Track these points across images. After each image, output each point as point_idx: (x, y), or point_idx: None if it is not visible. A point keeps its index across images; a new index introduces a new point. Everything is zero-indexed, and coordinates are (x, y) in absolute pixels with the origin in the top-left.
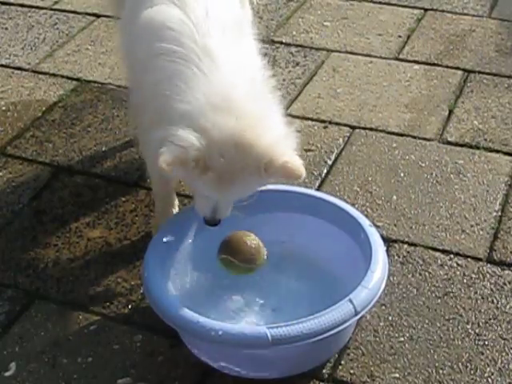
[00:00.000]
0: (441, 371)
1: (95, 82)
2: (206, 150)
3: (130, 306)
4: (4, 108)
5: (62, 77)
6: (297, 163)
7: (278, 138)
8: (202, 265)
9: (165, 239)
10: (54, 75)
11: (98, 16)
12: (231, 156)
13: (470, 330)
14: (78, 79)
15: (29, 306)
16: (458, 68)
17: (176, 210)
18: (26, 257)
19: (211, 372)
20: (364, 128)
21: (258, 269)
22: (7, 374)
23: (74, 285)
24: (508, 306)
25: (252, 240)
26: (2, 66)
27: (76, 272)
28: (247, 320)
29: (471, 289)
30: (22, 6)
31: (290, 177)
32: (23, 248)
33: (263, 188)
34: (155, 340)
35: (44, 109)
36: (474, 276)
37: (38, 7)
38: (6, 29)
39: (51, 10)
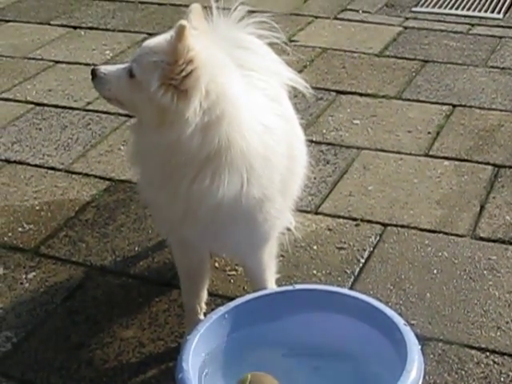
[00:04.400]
0: None
1: (128, 181)
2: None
3: None
4: (38, 208)
5: (95, 177)
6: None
7: None
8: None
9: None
10: (86, 175)
11: (130, 116)
12: None
13: None
14: (110, 179)
15: None
16: (488, 163)
17: (203, 303)
18: (58, 357)
19: None
20: (396, 225)
21: None
22: None
23: None
24: None
25: None
26: (36, 166)
27: (109, 373)
28: None
29: None
30: (55, 106)
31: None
32: (56, 348)
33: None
34: None
35: (77, 208)
36: (511, 374)
37: (71, 108)
38: (40, 129)
39: (84, 110)
